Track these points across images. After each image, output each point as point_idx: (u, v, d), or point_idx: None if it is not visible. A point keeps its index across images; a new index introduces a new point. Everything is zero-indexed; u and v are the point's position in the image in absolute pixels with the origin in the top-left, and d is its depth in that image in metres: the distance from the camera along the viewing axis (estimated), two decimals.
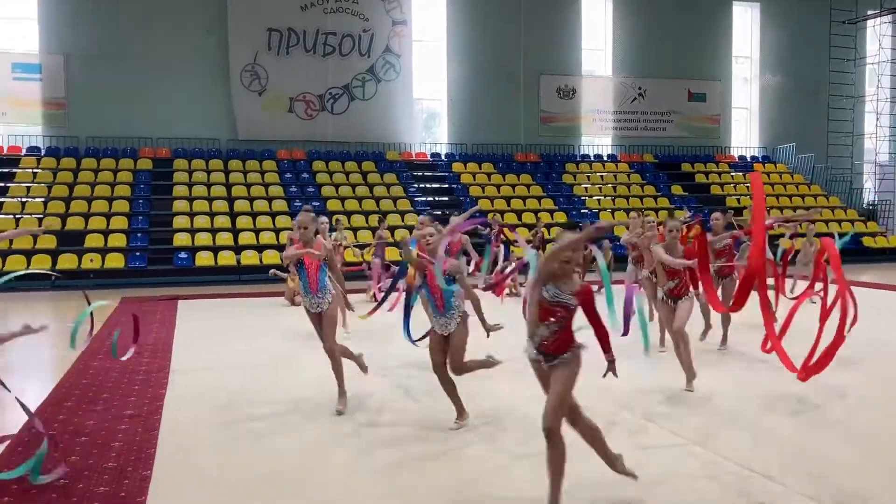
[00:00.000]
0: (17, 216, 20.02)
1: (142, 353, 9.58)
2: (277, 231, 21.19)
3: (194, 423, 6.54)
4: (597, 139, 28.69)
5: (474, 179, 25.66)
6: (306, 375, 8.22)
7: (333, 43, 25.31)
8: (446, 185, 25.37)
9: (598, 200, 25.45)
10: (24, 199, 20.79)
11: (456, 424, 6.19)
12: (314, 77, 25.09)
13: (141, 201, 21.71)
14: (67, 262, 18.83)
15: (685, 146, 29.04)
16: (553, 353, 4.39)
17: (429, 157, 26.66)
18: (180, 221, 21.05)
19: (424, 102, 27.40)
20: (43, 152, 23.02)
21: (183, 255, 19.79)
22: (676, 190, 26.65)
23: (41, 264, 18.34)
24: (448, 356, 6.12)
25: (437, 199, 24.77)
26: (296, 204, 22.75)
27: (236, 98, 24.47)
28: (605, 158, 28.16)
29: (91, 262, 18.99)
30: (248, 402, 7.23)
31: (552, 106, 27.61)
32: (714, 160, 29.00)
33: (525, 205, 24.58)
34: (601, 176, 27.04)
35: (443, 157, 26.71)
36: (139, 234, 20.41)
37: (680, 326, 7.38)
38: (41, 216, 20.14)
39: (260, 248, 20.46)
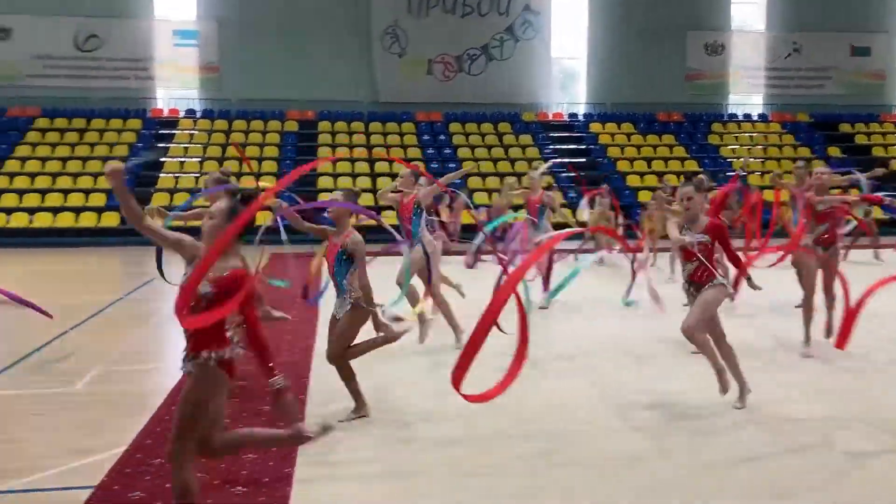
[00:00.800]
0: (176, 175, 21.38)
1: (292, 305, 10.06)
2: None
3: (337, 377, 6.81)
4: (746, 98, 27.22)
5: (613, 140, 25.03)
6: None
7: (472, 3, 25.20)
8: (583, 147, 24.88)
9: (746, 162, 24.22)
10: (182, 160, 22.15)
11: (352, 415, 5.46)
12: (453, 38, 25.13)
13: (287, 162, 22.64)
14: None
15: (845, 105, 27.03)
16: (698, 282, 5.49)
17: (566, 117, 26.21)
18: (324, 182, 21.81)
19: (562, 61, 26.86)
20: (198, 115, 24.39)
21: (326, 214, 20.50)
22: (833, 152, 24.90)
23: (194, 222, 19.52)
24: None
25: (573, 160, 24.35)
26: (432, 166, 23.02)
27: (377, 61, 24.91)
28: (755, 118, 26.69)
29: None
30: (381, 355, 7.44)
31: (698, 63, 26.39)
32: (878, 120, 26.85)
33: (667, 166, 23.73)
34: (750, 136, 25.67)
35: (580, 118, 26.19)
36: (285, 193, 21.28)
37: (687, 327, 5.45)
38: (197, 175, 21.42)
39: (517, 207, 20.78)
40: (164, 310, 9.80)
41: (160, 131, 23.40)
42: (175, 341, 8.54)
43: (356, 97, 25.07)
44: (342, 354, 5.39)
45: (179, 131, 23.46)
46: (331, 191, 21.16)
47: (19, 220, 19.45)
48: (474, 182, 22.45)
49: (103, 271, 15.42)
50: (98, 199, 20.18)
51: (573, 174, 23.47)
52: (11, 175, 20.62)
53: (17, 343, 7.84)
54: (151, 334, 8.69)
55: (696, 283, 5.54)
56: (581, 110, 26.42)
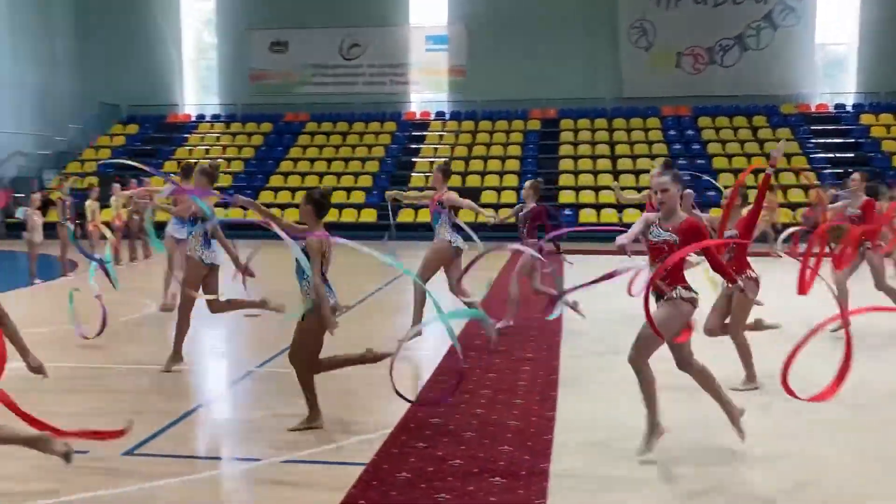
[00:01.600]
0: (426, 174, 22.49)
1: (537, 302, 10.19)
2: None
3: (588, 371, 6.78)
4: None
5: (888, 133, 22.50)
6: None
7: None
8: (851, 140, 22.64)
9: None
10: (432, 160, 23.26)
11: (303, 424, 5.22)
12: (704, 29, 24.01)
13: (529, 160, 22.95)
14: (467, 216, 20.66)
15: None
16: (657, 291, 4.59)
17: (831, 108, 24.01)
18: (566, 179, 21.83)
19: (827, 48, 24.61)
20: (447, 116, 25.48)
21: (568, 211, 20.54)
22: None
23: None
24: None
25: (838, 155, 22.25)
26: (680, 162, 22.15)
27: (623, 56, 24.47)
28: None
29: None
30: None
31: None
32: None
33: None
34: None
35: (848, 109, 23.85)
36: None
37: (632, 356, 4.64)
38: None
39: (641, 207, 20.33)
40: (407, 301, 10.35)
41: (413, 133, 24.77)
42: (431, 331, 8.97)
43: (599, 94, 24.80)
44: (303, 364, 5.17)
45: (430, 133, 24.66)
46: (572, 188, 21.23)
47: (291, 216, 21.54)
48: (726, 179, 21.30)
49: (364, 263, 16.57)
50: (358, 197, 21.79)
51: (838, 170, 21.49)
52: (286, 174, 22.88)
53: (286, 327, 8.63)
54: (404, 322, 9.19)
55: (656, 291, 4.61)
56: (850, 101, 24.04)
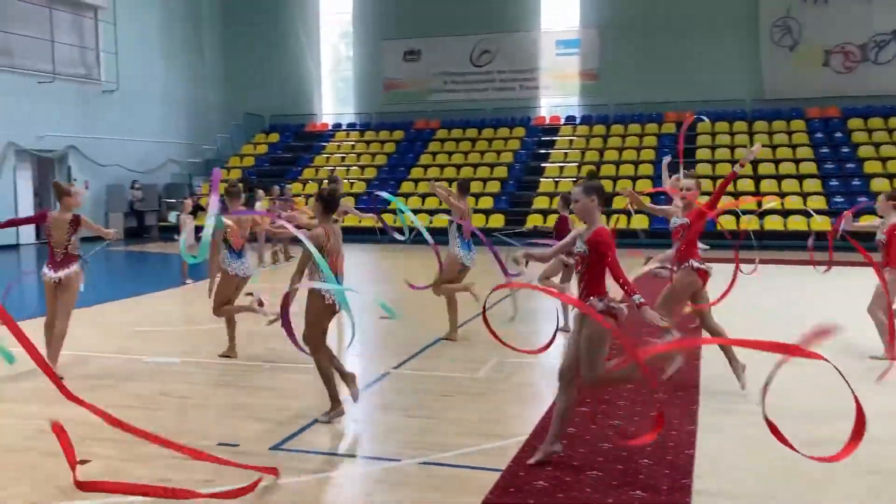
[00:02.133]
0: (555, 179, 22.32)
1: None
2: (805, 196, 19.81)
3: (730, 382, 6.49)
4: None
5: None
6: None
7: None
8: None
9: None
10: (561, 165, 23.06)
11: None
12: (856, 25, 22.58)
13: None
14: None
15: None
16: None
17: None
18: (703, 185, 21.03)
19: None
20: (578, 121, 25.19)
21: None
22: None
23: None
24: None
25: None
26: (827, 166, 20.93)
27: (764, 55, 23.39)
28: None
29: (618, 222, 20.24)
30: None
31: None
32: None
33: None
34: None
35: None
36: (663, 196, 21.01)
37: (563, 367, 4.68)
38: (575, 179, 22.08)
39: (785, 214, 19.39)
40: (544, 307, 10.27)
41: (542, 138, 24.64)
42: (562, 337, 8.86)
43: (738, 95, 23.81)
44: (314, 344, 5.53)
45: (560, 137, 24.46)
46: (708, 195, 20.45)
47: (423, 220, 21.89)
48: (879, 185, 19.93)
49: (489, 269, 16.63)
50: (486, 203, 21.88)
51: None
52: (416, 181, 23.29)
53: (422, 330, 8.75)
54: (532, 330, 9.14)
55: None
56: None
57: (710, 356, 7.43)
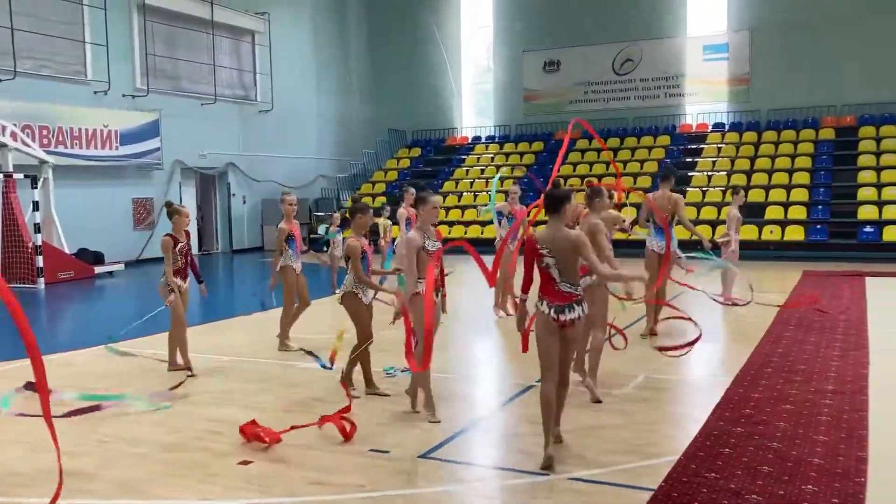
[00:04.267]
0: (703, 189, 21.51)
1: (835, 328, 9.29)
2: None
3: None
4: None
5: None
6: None
7: None
8: None
9: None
10: (709, 173, 22.20)
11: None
12: None
13: (822, 172, 21.01)
14: (748, 233, 19.43)
15: None
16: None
17: None
18: (866, 193, 19.66)
19: None
20: (726, 128, 24.18)
21: (868, 228, 18.47)
22: None
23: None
24: None
25: None
26: None
27: None
28: None
29: (771, 233, 19.25)
30: None
31: None
32: None
33: None
34: None
35: None
36: (820, 207, 19.81)
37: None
38: (724, 189, 21.22)
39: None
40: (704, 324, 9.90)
41: (688, 146, 23.84)
42: (710, 357, 8.52)
43: None
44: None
45: (707, 145, 23.57)
46: (874, 203, 19.04)
47: None
48: None
49: None
50: (629, 213, 21.37)
51: None
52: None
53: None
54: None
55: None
56: None
57: (881, 379, 6.91)
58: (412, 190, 11.30)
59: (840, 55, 22.24)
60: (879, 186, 19.76)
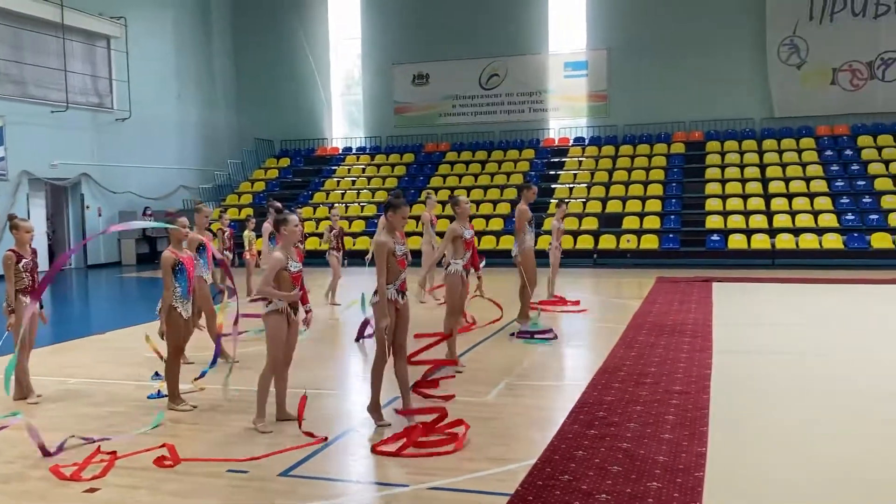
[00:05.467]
0: (566, 200, 22.31)
1: (683, 331, 9.87)
2: (816, 214, 19.75)
3: (741, 406, 6.46)
4: None
5: None
6: (853, 370, 7.49)
7: (888, 1, 22.41)
8: None
9: None
10: (570, 185, 23.09)
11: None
12: (862, 43, 22.61)
13: (674, 184, 22.31)
14: (607, 242, 20.38)
15: None
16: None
17: None
18: (713, 204, 21.04)
19: None
20: (587, 142, 25.26)
21: (715, 237, 19.76)
22: None
23: (585, 245, 20.23)
24: None
25: None
26: (837, 184, 20.89)
27: (772, 74, 23.42)
28: None
29: (628, 242, 20.23)
30: (793, 392, 6.89)
31: None
32: None
33: None
34: None
35: None
36: (672, 217, 21.02)
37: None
38: (585, 200, 22.14)
39: (796, 232, 19.33)
40: (563, 330, 10.27)
41: (551, 159, 24.71)
42: (568, 362, 8.89)
43: (747, 114, 23.85)
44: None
45: (569, 158, 24.52)
46: (720, 213, 20.43)
47: (414, 243, 21.95)
48: (889, 202, 19.87)
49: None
50: (497, 224, 21.91)
51: None
52: (426, 203, 23.33)
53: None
54: (551, 351, 9.13)
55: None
56: None
57: (722, 378, 7.41)
58: (277, 204, 11.15)
59: (688, 75, 23.75)
60: (724, 198, 21.19)
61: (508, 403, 6.79)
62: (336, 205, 22.30)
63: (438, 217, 13.54)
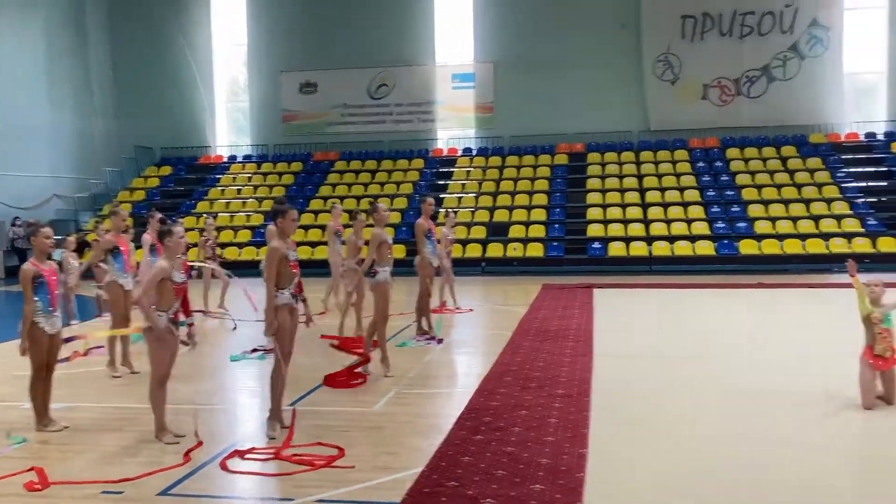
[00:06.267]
0: (454, 210, 22.58)
1: (566, 336, 10.17)
2: (689, 222, 20.80)
3: (621, 408, 6.72)
4: None
5: None
6: (728, 370, 7.94)
7: (752, 22, 23.95)
8: (884, 169, 22.41)
9: None
10: (459, 195, 23.40)
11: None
12: (730, 61, 24.05)
13: (558, 194, 22.98)
14: (495, 250, 20.75)
15: None
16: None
17: (862, 137, 23.79)
18: (594, 213, 21.80)
19: (856, 77, 24.43)
20: (474, 153, 25.67)
21: (596, 245, 20.48)
22: None
23: (474, 253, 20.53)
24: None
25: (871, 184, 22.04)
26: (709, 194, 22.08)
27: (648, 89, 24.53)
28: None
29: (514, 250, 20.68)
30: (670, 392, 7.23)
31: None
32: None
33: None
34: None
35: (880, 137, 23.62)
36: (556, 225, 21.64)
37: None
38: (473, 209, 22.48)
39: (672, 239, 20.29)
40: (451, 338, 10.38)
41: (440, 169, 24.96)
42: (456, 369, 8.99)
43: (626, 127, 24.86)
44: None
45: (457, 169, 24.84)
46: (601, 221, 21.21)
47: (321, 254, 21.71)
48: (755, 210, 21.16)
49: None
50: (387, 233, 21.87)
51: (872, 199, 21.25)
52: (316, 212, 23.09)
53: (319, 364, 8.69)
54: (441, 359, 9.21)
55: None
56: (881, 129, 23.82)
57: (603, 381, 7.68)
58: (158, 215, 10.76)
59: (570, 89, 24.52)
60: (605, 207, 22.01)
61: (397, 412, 6.80)
62: (206, 214, 21.73)
63: (345, 226, 13.47)
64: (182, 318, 6.12)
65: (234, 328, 11.62)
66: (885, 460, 5.41)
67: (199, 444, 5.79)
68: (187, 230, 19.32)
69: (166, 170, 26.72)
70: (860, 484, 5.10)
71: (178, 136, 26.95)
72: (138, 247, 12.88)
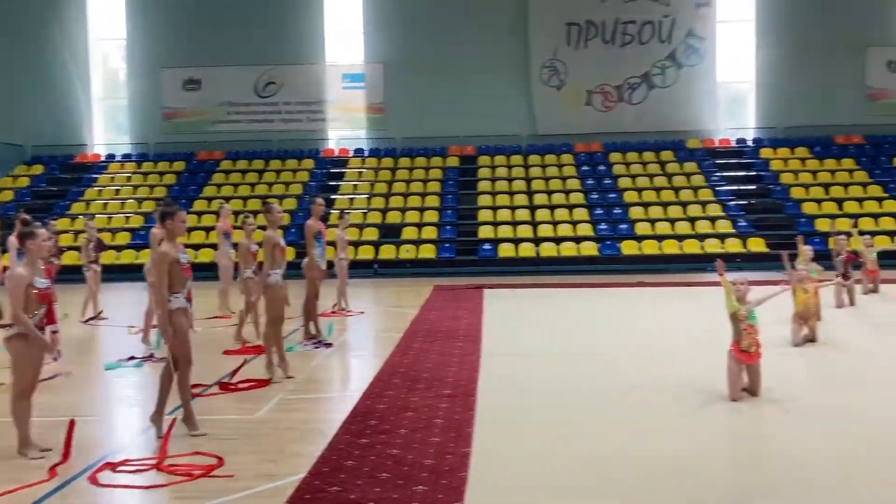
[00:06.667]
0: (346, 210, 22.39)
1: (455, 336, 10.25)
2: (575, 223, 21.40)
3: (506, 406, 6.82)
4: None
5: (786, 165, 23.76)
6: (613, 368, 8.20)
7: (632, 31, 24.87)
8: (753, 173, 23.77)
9: None
10: (351, 196, 23.22)
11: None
12: (612, 68, 24.88)
13: (449, 196, 23.17)
14: (387, 252, 20.72)
15: None
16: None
17: (733, 143, 25.16)
18: (484, 215, 22.10)
19: (729, 86, 25.82)
20: (366, 153, 25.53)
21: (487, 246, 20.77)
22: None
23: (366, 255, 20.41)
24: None
25: (742, 187, 23.33)
26: (592, 197, 22.78)
27: (536, 94, 25.07)
28: None
29: (407, 252, 20.70)
30: (556, 390, 7.40)
31: (881, 81, 24.56)
32: None
33: (847, 192, 22.20)
34: None
35: (749, 143, 25.06)
36: (448, 227, 21.82)
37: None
38: (365, 211, 22.36)
39: (558, 241, 20.82)
40: (341, 341, 10.27)
41: (331, 170, 24.69)
42: (345, 373, 8.91)
43: (515, 131, 25.32)
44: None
45: (349, 170, 24.64)
46: (491, 223, 21.53)
47: (206, 256, 21.03)
48: (636, 212, 21.98)
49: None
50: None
51: (742, 202, 22.47)
52: (200, 213, 22.38)
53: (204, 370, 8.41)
54: (328, 363, 9.09)
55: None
56: (750, 135, 25.26)
57: (489, 380, 7.78)
58: (26, 217, 10.15)
59: (460, 92, 24.69)
60: (495, 209, 22.36)
61: (281, 419, 6.66)
62: (83, 215, 20.74)
63: (235, 227, 13.09)
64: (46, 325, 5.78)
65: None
66: (749, 440, 5.75)
67: (66, 458, 5.48)
68: (62, 232, 18.35)
69: (38, 168, 25.26)
70: (731, 461, 5.39)
71: (51, 134, 25.50)
72: (4, 251, 12.14)
